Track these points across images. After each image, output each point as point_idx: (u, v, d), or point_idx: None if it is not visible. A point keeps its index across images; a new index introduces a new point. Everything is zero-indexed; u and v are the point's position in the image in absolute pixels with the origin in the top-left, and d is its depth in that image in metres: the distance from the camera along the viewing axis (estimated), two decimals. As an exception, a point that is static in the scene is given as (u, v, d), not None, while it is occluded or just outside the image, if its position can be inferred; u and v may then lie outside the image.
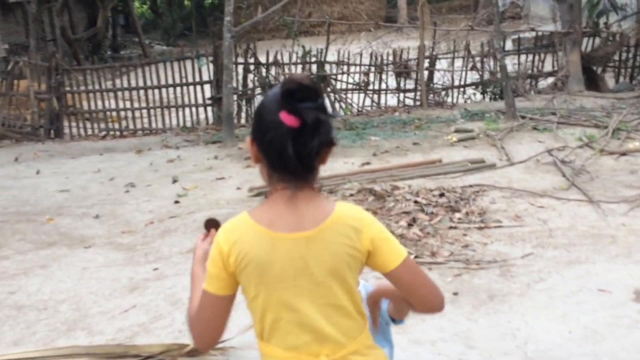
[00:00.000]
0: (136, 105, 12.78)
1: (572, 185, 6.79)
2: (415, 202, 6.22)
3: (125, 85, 12.86)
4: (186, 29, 31.26)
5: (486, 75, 13.37)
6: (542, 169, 7.47)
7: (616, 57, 13.70)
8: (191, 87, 12.36)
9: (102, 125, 12.58)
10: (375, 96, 13.27)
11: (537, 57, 13.61)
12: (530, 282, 4.67)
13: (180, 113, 12.44)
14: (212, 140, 10.41)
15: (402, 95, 13.36)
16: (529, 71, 13.47)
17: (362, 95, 13.16)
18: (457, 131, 9.48)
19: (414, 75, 13.39)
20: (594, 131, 8.85)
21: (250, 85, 12.42)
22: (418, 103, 12.95)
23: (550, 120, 9.62)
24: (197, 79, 12.25)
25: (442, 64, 13.60)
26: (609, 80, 13.58)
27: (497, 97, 12.85)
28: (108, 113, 12.73)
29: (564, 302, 4.34)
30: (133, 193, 7.74)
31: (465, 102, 13.17)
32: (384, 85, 13.30)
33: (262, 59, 12.51)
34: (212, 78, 12.11)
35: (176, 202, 7.24)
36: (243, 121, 12.18)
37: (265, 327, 1.82)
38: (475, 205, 6.25)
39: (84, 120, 12.67)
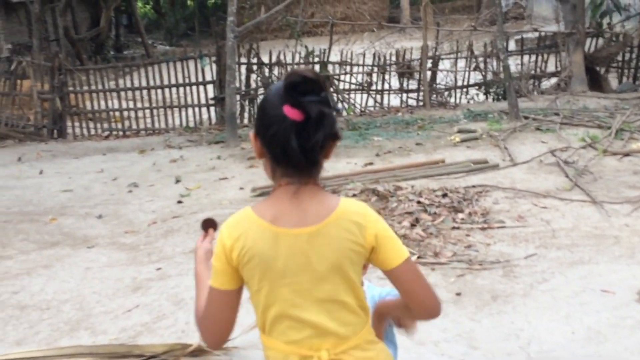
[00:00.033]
0: (139, 105, 12.80)
1: (575, 186, 6.77)
2: (418, 202, 6.21)
3: (128, 85, 12.87)
4: (189, 29, 31.32)
5: (489, 76, 13.36)
6: (545, 170, 7.46)
7: (619, 58, 13.68)
8: (194, 87, 12.37)
9: (105, 125, 12.59)
10: (378, 96, 13.27)
11: (540, 58, 13.59)
12: (534, 283, 4.66)
13: (183, 113, 12.45)
14: (215, 141, 10.41)
15: (405, 95, 13.35)
16: (532, 71, 13.46)
17: (365, 95, 13.16)
18: (460, 131, 9.47)
19: (416, 75, 13.38)
20: (597, 132, 8.83)
21: (253, 85, 12.42)
22: (421, 103, 12.95)
23: (553, 121, 9.61)
24: (200, 79, 12.26)
25: (445, 64, 13.58)
26: (612, 80, 13.56)
27: (500, 97, 12.84)
28: (111, 113, 12.74)
29: (567, 303, 4.34)
30: (136, 193, 7.75)
31: (468, 102, 13.16)
32: (386, 86, 13.29)
33: (265, 59, 12.51)
34: (215, 78, 12.12)
35: (179, 202, 7.25)
36: (246, 121, 12.19)
37: (267, 321, 1.82)
38: (478, 206, 6.25)
39: (87, 120, 12.69)
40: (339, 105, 12.53)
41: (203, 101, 12.33)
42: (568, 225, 5.76)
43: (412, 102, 13.27)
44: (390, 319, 2.14)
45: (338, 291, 1.79)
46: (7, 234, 6.44)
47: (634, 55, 13.55)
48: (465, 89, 13.43)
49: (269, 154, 1.78)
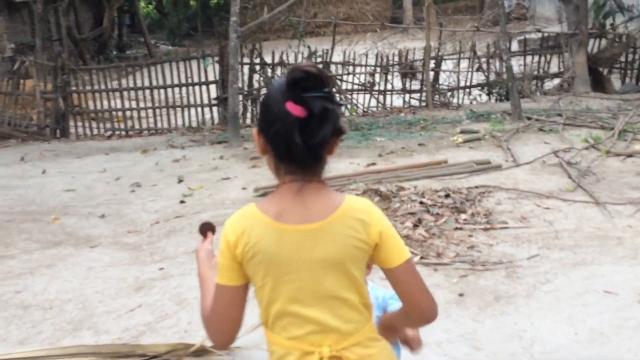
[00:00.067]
0: (142, 105, 12.80)
1: (578, 187, 6.77)
2: (421, 203, 6.21)
3: (131, 85, 12.88)
4: (192, 29, 31.34)
5: (492, 76, 13.36)
6: (548, 171, 7.46)
7: (622, 59, 13.66)
8: (197, 87, 12.38)
9: (108, 125, 12.60)
10: (381, 97, 13.27)
11: (543, 58, 13.58)
12: (537, 284, 4.66)
13: (186, 113, 12.45)
14: (218, 140, 10.42)
15: (407, 96, 13.35)
16: (535, 72, 13.45)
17: (367, 95, 13.16)
18: (462, 132, 9.47)
19: (419, 76, 13.38)
20: (600, 133, 8.82)
21: (256, 85, 12.43)
22: (424, 104, 12.95)
23: (556, 122, 9.60)
24: (203, 79, 12.26)
25: (447, 64, 13.58)
26: (615, 81, 13.54)
27: (502, 98, 12.84)
28: (114, 113, 12.75)
29: (570, 304, 4.33)
30: (139, 193, 7.76)
31: (471, 103, 13.15)
32: (389, 86, 13.29)
33: (268, 59, 12.51)
34: (217, 78, 12.13)
35: (182, 202, 7.25)
36: (248, 121, 12.19)
37: (270, 316, 1.82)
38: (481, 207, 6.24)
39: (89, 120, 12.70)
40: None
41: (206, 101, 12.34)
42: (571, 226, 5.76)
43: (414, 102, 13.27)
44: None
45: (341, 288, 1.79)
46: (10, 234, 6.45)
47: (637, 56, 13.53)
48: (467, 90, 13.42)
49: (272, 151, 1.78)
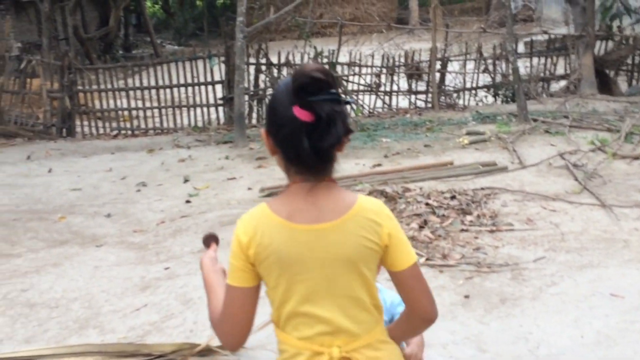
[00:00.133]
0: (148, 104, 12.83)
1: (584, 189, 6.75)
2: (427, 204, 6.20)
3: (137, 84, 12.91)
4: (198, 28, 31.38)
5: (498, 78, 13.34)
6: (554, 173, 7.44)
7: (629, 61, 13.63)
8: (203, 87, 12.39)
9: (114, 125, 12.63)
10: (387, 98, 13.27)
11: (549, 60, 13.57)
12: (543, 286, 4.65)
13: (192, 113, 12.47)
14: (224, 141, 10.43)
15: (413, 97, 13.35)
16: (541, 74, 13.43)
17: (373, 96, 13.16)
18: (468, 134, 9.45)
19: (425, 77, 13.38)
20: (607, 135, 8.80)
21: (262, 85, 12.44)
22: (429, 105, 12.94)
23: (562, 124, 9.58)
24: (209, 79, 12.29)
25: (454, 66, 13.57)
26: (622, 83, 13.51)
27: (509, 99, 12.82)
28: (120, 112, 12.78)
29: (576, 307, 4.32)
30: (144, 192, 7.77)
31: (477, 104, 13.14)
32: (395, 87, 13.29)
33: (274, 60, 12.52)
34: (223, 78, 12.14)
35: (187, 201, 7.26)
36: (254, 121, 12.21)
37: (281, 316, 1.82)
38: (486, 208, 6.23)
39: (95, 119, 12.74)
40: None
41: (212, 101, 12.36)
42: (577, 229, 5.74)
43: (420, 103, 13.27)
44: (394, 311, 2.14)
45: (353, 288, 1.79)
46: (16, 232, 6.46)
47: (643, 59, 13.50)
48: (474, 91, 13.42)
49: (281, 153, 1.78)
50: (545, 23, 22.72)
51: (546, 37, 14.15)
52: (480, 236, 5.60)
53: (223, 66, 12.09)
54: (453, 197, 6.43)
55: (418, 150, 8.84)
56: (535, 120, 9.88)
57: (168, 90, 12.60)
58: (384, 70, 13.18)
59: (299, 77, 1.69)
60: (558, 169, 7.53)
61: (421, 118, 11.52)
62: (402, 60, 13.43)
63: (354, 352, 1.80)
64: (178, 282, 4.97)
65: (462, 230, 5.71)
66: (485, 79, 13.56)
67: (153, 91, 12.76)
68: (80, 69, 13.01)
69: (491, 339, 3.96)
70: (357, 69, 13.06)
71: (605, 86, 12.89)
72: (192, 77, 12.36)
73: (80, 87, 12.70)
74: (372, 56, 13.30)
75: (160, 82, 12.54)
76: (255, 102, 12.38)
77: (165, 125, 12.52)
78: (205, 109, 12.43)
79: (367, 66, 13.15)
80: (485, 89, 13.53)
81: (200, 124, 12.26)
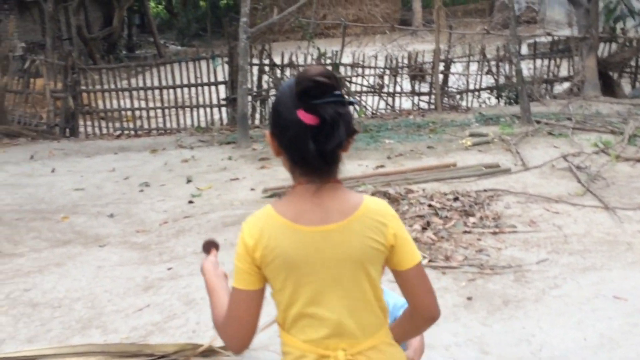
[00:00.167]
0: (151, 105, 12.84)
1: (587, 192, 6.75)
2: (430, 205, 6.20)
3: (140, 84, 12.92)
4: (201, 29, 31.39)
5: (501, 80, 13.34)
6: (558, 175, 7.44)
7: (633, 63, 13.62)
8: (206, 88, 12.40)
9: (117, 125, 12.64)
10: (390, 99, 13.26)
11: (553, 62, 13.56)
12: (545, 288, 4.64)
13: (195, 113, 12.48)
14: (227, 141, 10.43)
15: (416, 98, 13.35)
16: (545, 76, 13.43)
17: (376, 97, 13.15)
18: (471, 135, 9.45)
19: (428, 78, 13.37)
20: (610, 137, 8.80)
21: (265, 86, 12.44)
22: (433, 106, 12.94)
23: (565, 126, 9.57)
24: (212, 80, 12.29)
25: (457, 67, 13.56)
26: (626, 86, 13.50)
27: (512, 101, 12.82)
28: (123, 112, 12.79)
29: (579, 309, 4.32)
30: (147, 192, 7.77)
31: (480, 106, 13.14)
32: (398, 88, 13.28)
33: (277, 60, 12.53)
34: (227, 79, 12.15)
35: (190, 202, 7.26)
36: (257, 122, 12.21)
37: (287, 318, 1.82)
38: (489, 210, 6.23)
39: (99, 119, 12.75)
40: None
41: (215, 102, 12.37)
42: (580, 231, 5.74)
43: (423, 105, 13.26)
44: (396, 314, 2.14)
45: (359, 289, 1.79)
46: (19, 232, 6.47)
47: (647, 61, 13.49)
48: (477, 93, 13.41)
49: (286, 155, 1.78)
50: (549, 25, 22.69)
51: (550, 38, 14.14)
52: (483, 238, 5.60)
53: (226, 67, 12.10)
54: (456, 199, 6.43)
55: (421, 151, 8.83)
56: (538, 122, 9.88)
57: (171, 91, 12.61)
58: (387, 72, 13.18)
59: (302, 81, 1.69)
60: (561, 171, 7.52)
61: (424, 119, 11.52)
62: (405, 61, 13.43)
63: (359, 355, 1.80)
64: (181, 283, 4.97)
65: (465, 232, 5.71)
66: (488, 80, 13.55)
67: (156, 91, 12.78)
68: (84, 69, 13.03)
69: (494, 341, 3.96)
70: (360, 70, 13.06)
71: (609, 88, 12.88)
72: (196, 77, 12.37)
73: (83, 87, 12.72)
74: (375, 57, 13.30)
75: (164, 83, 12.55)
76: (258, 103, 12.39)
77: (168, 125, 12.53)
78: (208, 110, 12.44)
79: (370, 67, 13.15)
80: (489, 91, 13.52)
81: (203, 124, 12.26)
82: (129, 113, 12.83)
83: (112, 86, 12.78)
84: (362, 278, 1.79)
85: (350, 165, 7.92)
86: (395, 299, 2.45)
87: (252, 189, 7.56)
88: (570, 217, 6.09)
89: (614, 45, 13.65)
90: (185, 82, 12.43)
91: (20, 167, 9.29)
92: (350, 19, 25.96)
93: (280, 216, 1.77)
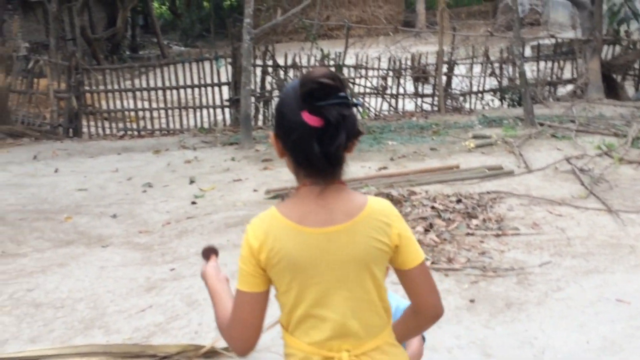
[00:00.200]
0: (154, 105, 12.87)
1: (590, 194, 6.74)
2: (432, 207, 6.20)
3: (144, 85, 12.94)
4: (204, 30, 31.43)
5: (505, 82, 13.34)
6: (561, 177, 7.43)
7: (636, 66, 13.60)
8: (209, 88, 12.41)
9: (120, 125, 12.66)
10: (393, 100, 13.27)
11: (556, 64, 13.56)
12: (548, 291, 4.64)
13: (198, 114, 12.50)
14: (230, 142, 10.44)
15: (419, 100, 13.36)
16: (548, 78, 13.42)
17: (379, 99, 13.16)
18: (474, 137, 9.45)
19: (432, 80, 13.38)
20: (613, 140, 8.79)
21: (268, 87, 12.45)
22: (436, 108, 12.94)
23: (569, 128, 9.57)
24: (215, 81, 12.30)
25: (460, 69, 13.56)
26: (629, 88, 13.49)
27: (515, 103, 12.82)
28: (126, 113, 12.82)
29: (582, 312, 4.31)
30: (150, 193, 7.78)
31: (483, 108, 13.14)
32: (401, 90, 13.29)
33: (281, 62, 12.54)
34: (230, 80, 12.16)
35: (193, 203, 7.27)
36: (260, 123, 12.22)
37: (291, 320, 1.81)
38: (492, 212, 6.23)
39: (102, 120, 12.77)
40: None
41: (218, 102, 12.38)
42: (583, 234, 5.73)
43: (426, 106, 13.26)
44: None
45: (364, 290, 1.79)
46: (22, 232, 6.48)
47: (651, 64, 13.48)
48: (480, 95, 13.41)
49: (290, 156, 1.78)
50: (553, 27, 22.68)
51: (553, 41, 14.12)
52: (486, 240, 5.59)
53: (230, 68, 12.10)
54: (459, 201, 6.42)
55: (424, 153, 8.83)
56: (541, 125, 9.87)
57: (174, 91, 12.62)
58: (391, 73, 13.18)
59: (307, 82, 1.69)
60: (564, 174, 7.51)
61: (427, 121, 11.53)
62: (409, 63, 13.43)
63: (363, 356, 1.80)
64: (183, 284, 4.98)
65: (468, 234, 5.70)
66: (491, 82, 13.55)
67: (159, 92, 12.80)
68: (88, 70, 13.05)
69: (496, 343, 3.95)
70: (363, 72, 13.07)
71: (612, 91, 12.88)
72: (199, 78, 12.39)
73: (87, 88, 12.74)
74: (379, 59, 13.31)
75: (167, 83, 12.57)
76: (261, 104, 12.39)
77: (171, 126, 12.54)
78: (211, 111, 12.45)
79: (373, 69, 13.16)
80: (492, 93, 13.52)
81: (206, 125, 12.28)
82: (132, 113, 12.86)
83: (116, 86, 12.81)
84: (366, 279, 1.79)
85: (353, 167, 7.91)
86: (398, 301, 2.44)
87: (255, 190, 7.56)
88: (573, 219, 6.08)
89: (617, 48, 13.64)
90: (188, 82, 12.44)
91: (23, 167, 9.31)
92: (354, 21, 25.96)
93: (285, 218, 1.77)
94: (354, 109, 1.75)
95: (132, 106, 12.74)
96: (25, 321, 4.51)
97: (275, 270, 1.77)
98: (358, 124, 1.74)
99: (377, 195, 6.48)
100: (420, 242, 5.32)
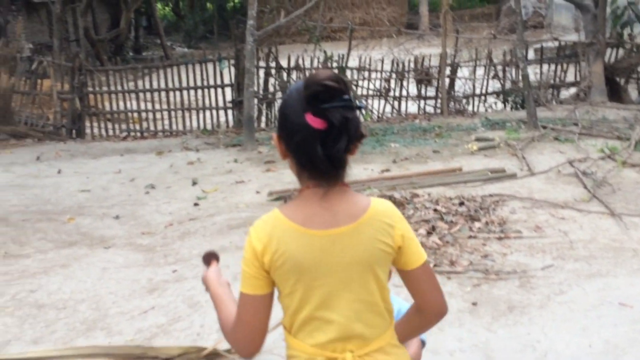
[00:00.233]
0: (157, 106, 12.88)
1: (593, 197, 6.73)
2: (435, 210, 6.20)
3: (147, 86, 12.94)
4: (208, 31, 31.48)
5: (508, 84, 13.33)
6: (563, 180, 7.42)
7: (640, 69, 13.59)
8: (212, 90, 12.42)
9: (123, 126, 12.67)
10: (396, 103, 13.26)
11: (559, 67, 13.53)
12: (551, 294, 4.63)
13: (201, 115, 12.51)
14: (232, 144, 10.45)
15: (422, 102, 13.34)
16: (551, 81, 13.41)
17: (382, 101, 13.15)
18: (477, 140, 9.45)
19: (435, 82, 13.36)
20: (616, 143, 8.78)
21: (272, 89, 12.45)
22: (439, 111, 12.93)
23: (572, 131, 9.56)
24: (219, 82, 12.32)
25: (463, 71, 13.55)
26: (632, 91, 13.47)
27: (518, 106, 12.80)
28: (129, 114, 12.82)
29: (584, 315, 4.30)
30: (153, 194, 7.79)
31: (486, 110, 13.13)
32: (404, 92, 13.28)
33: (284, 63, 12.54)
34: (233, 81, 12.17)
35: (196, 204, 7.27)
36: (263, 125, 12.23)
37: (295, 323, 1.81)
38: (495, 215, 6.22)
39: (105, 121, 12.78)
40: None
41: (221, 104, 12.39)
42: (586, 237, 5.72)
43: (429, 109, 13.25)
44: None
45: (368, 292, 1.80)
46: (25, 233, 6.49)
47: (654, 67, 13.45)
48: (483, 97, 13.39)
49: (294, 158, 1.78)
50: (556, 30, 22.66)
51: (556, 43, 14.11)
52: (489, 243, 5.59)
53: (233, 69, 12.12)
54: (461, 204, 6.42)
55: (427, 155, 8.83)
56: (544, 128, 9.87)
57: (178, 93, 12.64)
58: (394, 75, 13.18)
59: (311, 85, 1.69)
60: (567, 177, 7.50)
61: (430, 123, 11.52)
62: (412, 65, 13.43)
63: (366, 357, 1.81)
64: (186, 285, 4.98)
65: (470, 236, 5.70)
66: (494, 85, 13.54)
67: (163, 93, 12.80)
68: (91, 71, 13.07)
69: (498, 346, 3.95)
70: (366, 74, 13.06)
71: (616, 94, 12.85)
72: (202, 79, 12.39)
73: (90, 89, 12.76)
74: (382, 61, 13.30)
75: (170, 85, 12.58)
76: (264, 106, 12.40)
77: (174, 127, 12.55)
78: (214, 112, 12.46)
79: (376, 71, 13.16)
80: (495, 95, 13.51)
81: (209, 126, 12.29)
82: (135, 115, 12.86)
83: (119, 88, 12.82)
84: (370, 280, 1.79)
85: (356, 169, 7.92)
86: (400, 304, 2.44)
87: (258, 192, 7.57)
88: (576, 223, 6.07)
89: (621, 51, 13.61)
90: (191, 84, 12.45)
91: (26, 168, 9.32)
92: (357, 23, 26.00)
93: (288, 220, 1.77)
94: (357, 112, 1.75)
95: (135, 107, 12.75)
96: (28, 322, 4.51)
97: (279, 272, 1.76)
98: (361, 126, 1.75)
99: (379, 197, 6.48)
100: (422, 244, 5.31)
